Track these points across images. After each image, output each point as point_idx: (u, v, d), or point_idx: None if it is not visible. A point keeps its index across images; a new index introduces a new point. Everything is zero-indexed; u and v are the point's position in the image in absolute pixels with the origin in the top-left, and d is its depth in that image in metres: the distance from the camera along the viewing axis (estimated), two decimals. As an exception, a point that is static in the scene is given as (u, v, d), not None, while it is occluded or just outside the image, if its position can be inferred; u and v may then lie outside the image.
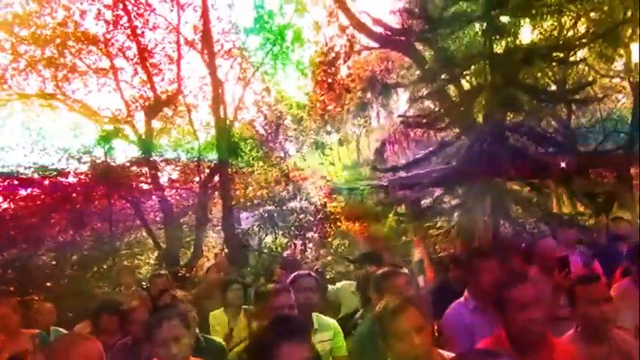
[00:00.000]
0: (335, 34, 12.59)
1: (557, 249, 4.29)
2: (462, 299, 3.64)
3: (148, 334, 2.65)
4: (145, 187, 12.46)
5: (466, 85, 9.76)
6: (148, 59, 12.79)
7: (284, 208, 12.33)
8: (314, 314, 3.73)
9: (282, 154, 13.74)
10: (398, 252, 10.08)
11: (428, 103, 12.62)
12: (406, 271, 3.76)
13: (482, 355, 1.79)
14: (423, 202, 9.94)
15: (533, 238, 4.82)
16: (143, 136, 12.60)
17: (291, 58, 13.45)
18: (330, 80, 12.69)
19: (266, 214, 12.32)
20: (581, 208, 12.16)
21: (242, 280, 5.43)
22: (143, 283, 9.85)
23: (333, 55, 12.35)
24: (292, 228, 11.68)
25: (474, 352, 2.12)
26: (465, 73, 8.90)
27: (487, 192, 7.04)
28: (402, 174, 10.48)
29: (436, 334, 3.71)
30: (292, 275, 3.87)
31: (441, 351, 2.53)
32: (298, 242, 11.59)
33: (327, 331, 3.69)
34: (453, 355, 2.43)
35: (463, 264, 3.89)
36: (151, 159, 12.24)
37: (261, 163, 13.23)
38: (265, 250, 11.76)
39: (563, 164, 8.21)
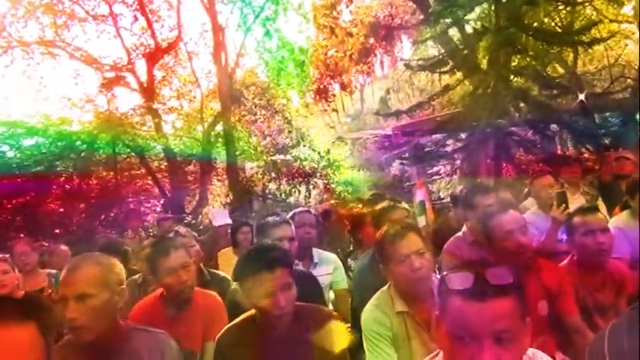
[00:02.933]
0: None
1: (554, 185, 4.32)
2: (460, 233, 3.72)
3: (153, 267, 2.69)
4: (149, 135, 12.50)
5: (469, 30, 9.59)
6: (148, 5, 12.60)
7: (287, 155, 12.36)
8: (314, 249, 3.81)
9: (285, 102, 13.62)
10: (402, 197, 10.15)
11: (432, 50, 12.43)
12: (406, 206, 3.81)
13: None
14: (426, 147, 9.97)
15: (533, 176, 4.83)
16: (145, 85, 12.53)
17: (292, 2, 13.19)
18: (332, 25, 12.46)
19: (270, 162, 12.36)
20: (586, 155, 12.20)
21: (251, 223, 5.50)
22: (150, 230, 10.03)
23: (334, -2, 12.10)
24: (296, 175, 11.75)
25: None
26: (468, 16, 8.73)
27: (490, 135, 7.04)
28: (407, 121, 10.45)
29: (436, 271, 3.82)
30: (292, 212, 3.94)
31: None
32: (302, 188, 11.69)
33: (326, 265, 3.76)
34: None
35: (462, 200, 3.93)
36: (154, 107, 12.22)
37: (263, 111, 13.17)
38: (270, 197, 11.87)
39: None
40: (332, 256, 3.90)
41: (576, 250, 3.04)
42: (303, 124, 12.83)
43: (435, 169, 11.50)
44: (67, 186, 11.09)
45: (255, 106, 13.00)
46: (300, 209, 4.03)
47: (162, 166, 12.87)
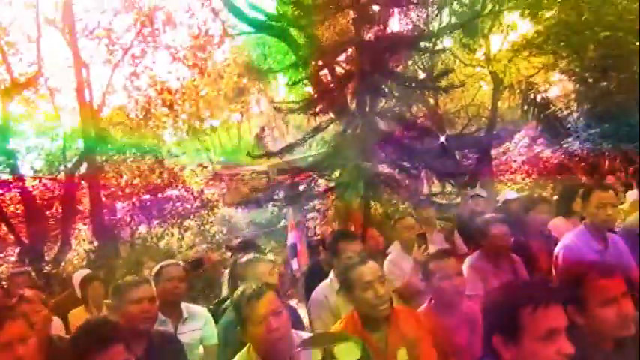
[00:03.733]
0: (209, 17, 12.29)
1: (416, 226, 4.53)
2: (327, 280, 3.75)
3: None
4: (4, 177, 11.46)
5: (340, 71, 9.98)
6: (3, 38, 11.72)
7: (159, 196, 11.91)
8: (183, 303, 3.66)
9: (156, 142, 13.21)
10: (275, 237, 10.19)
11: (308, 88, 12.78)
12: (271, 258, 3.79)
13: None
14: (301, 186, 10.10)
15: (395, 218, 5.03)
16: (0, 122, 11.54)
17: (161, 41, 12.94)
18: (202, 65, 12.39)
19: (140, 204, 11.83)
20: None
21: (100, 275, 5.16)
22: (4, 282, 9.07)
23: (205, 39, 12.05)
24: (168, 216, 11.33)
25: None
26: (338, 59, 9.08)
27: (359, 175, 7.26)
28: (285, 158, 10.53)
29: (308, 314, 3.82)
30: (158, 265, 3.77)
31: (299, 332, 2.57)
32: (175, 231, 11.28)
33: (196, 320, 3.63)
34: (309, 335, 2.49)
35: (328, 245, 3.99)
36: (10, 147, 11.26)
37: (133, 150, 12.63)
38: (138, 241, 11.30)
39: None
40: (202, 311, 3.78)
41: (434, 293, 3.17)
42: (175, 163, 12.47)
43: (312, 204, 11.70)
44: None
45: (124, 146, 12.44)
46: (167, 262, 3.87)
47: (19, 211, 11.82)
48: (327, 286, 3.70)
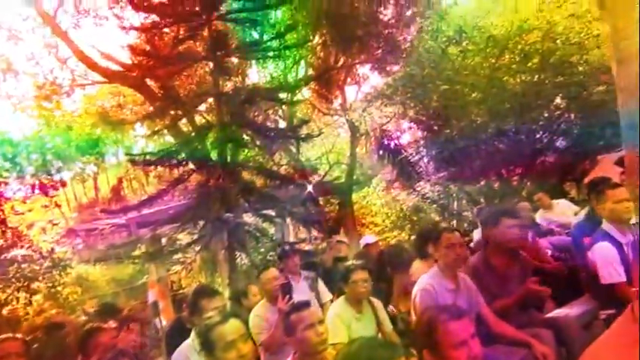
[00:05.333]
0: (56, 66, 11.63)
1: (279, 277, 4.51)
2: (189, 340, 3.58)
3: None
4: None
5: (200, 121, 9.92)
6: None
7: (2, 257, 10.72)
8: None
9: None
10: (137, 294, 9.64)
11: (169, 138, 12.46)
12: (113, 325, 3.57)
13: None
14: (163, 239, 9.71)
15: (259, 268, 4.99)
16: None
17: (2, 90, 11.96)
18: (47, 114, 11.62)
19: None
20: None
21: None
22: None
23: (52, 88, 11.35)
24: (13, 280, 10.21)
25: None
26: (197, 109, 9.04)
27: (222, 226, 7.17)
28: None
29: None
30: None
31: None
32: (21, 295, 10.19)
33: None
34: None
35: (189, 303, 3.83)
36: None
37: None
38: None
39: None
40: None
41: (297, 345, 3.15)
42: (20, 220, 11.37)
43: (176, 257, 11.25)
44: None
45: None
46: (6, 336, 3.48)
47: None
48: (189, 347, 3.53)
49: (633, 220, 3.89)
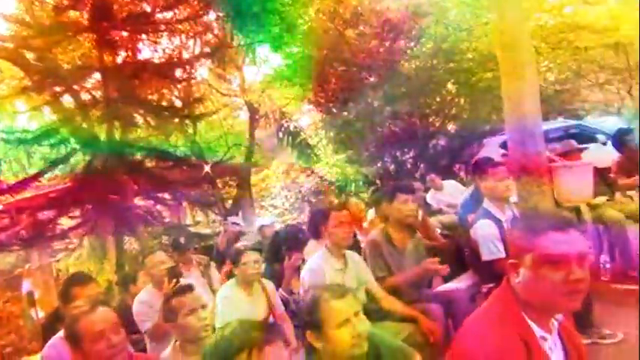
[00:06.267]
0: None
1: (166, 261, 4.29)
2: (60, 333, 3.31)
3: None
4: None
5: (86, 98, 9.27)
6: None
7: None
8: None
9: None
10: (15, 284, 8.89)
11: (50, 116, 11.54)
12: None
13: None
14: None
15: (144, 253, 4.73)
16: None
17: None
18: None
19: None
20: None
21: None
22: None
23: None
24: None
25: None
26: (83, 85, 8.41)
27: (108, 210, 6.77)
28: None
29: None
30: None
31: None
32: None
33: None
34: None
35: (61, 292, 3.53)
36: None
37: None
38: None
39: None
40: None
41: (178, 331, 2.98)
42: None
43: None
44: None
45: None
46: None
47: None
48: (61, 339, 3.25)
49: (513, 199, 4.08)
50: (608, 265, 4.35)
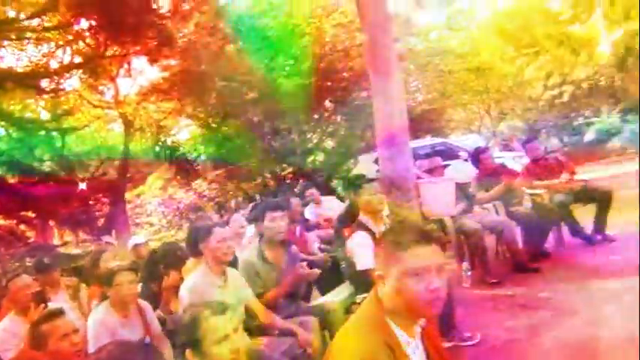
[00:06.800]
0: None
1: (31, 285, 4.02)
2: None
3: None
4: None
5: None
6: None
7: None
8: None
9: None
10: None
11: None
12: None
13: None
14: None
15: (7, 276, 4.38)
16: None
17: None
18: None
19: None
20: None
21: None
22: None
23: None
24: None
25: None
26: None
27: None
28: None
29: None
30: None
31: None
32: None
33: None
34: None
35: None
36: None
37: None
38: None
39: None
40: None
41: (50, 358, 2.84)
42: None
43: None
44: None
45: None
46: None
47: None
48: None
49: (385, 212, 4.32)
50: (469, 273, 4.74)
